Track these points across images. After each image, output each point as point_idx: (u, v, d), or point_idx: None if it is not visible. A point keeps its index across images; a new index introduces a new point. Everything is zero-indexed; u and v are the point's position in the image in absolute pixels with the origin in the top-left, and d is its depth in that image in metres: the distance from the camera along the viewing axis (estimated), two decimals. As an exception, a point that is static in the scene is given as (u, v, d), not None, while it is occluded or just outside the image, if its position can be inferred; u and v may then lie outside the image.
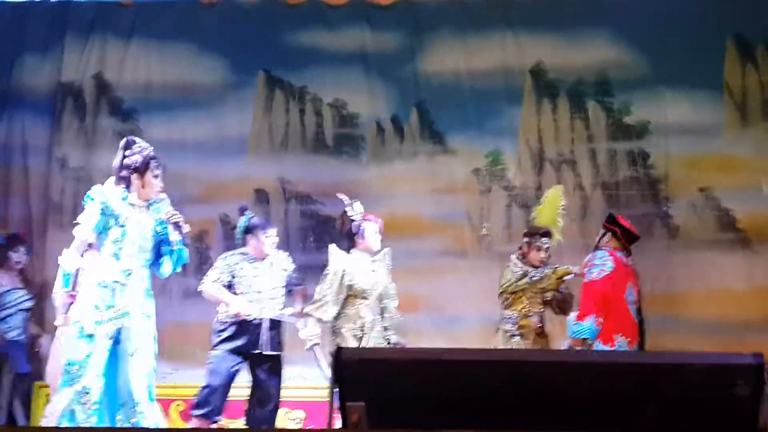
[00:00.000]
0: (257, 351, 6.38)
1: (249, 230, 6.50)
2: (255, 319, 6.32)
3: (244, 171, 8.20)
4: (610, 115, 8.03)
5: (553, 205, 6.62)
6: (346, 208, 6.53)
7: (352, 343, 6.11)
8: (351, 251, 6.39)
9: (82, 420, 4.94)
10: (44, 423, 5.25)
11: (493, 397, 3.77)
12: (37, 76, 8.35)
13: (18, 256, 7.17)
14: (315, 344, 6.26)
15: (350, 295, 6.26)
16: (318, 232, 8.13)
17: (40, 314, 7.76)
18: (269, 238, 6.50)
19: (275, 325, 6.44)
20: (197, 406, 6.30)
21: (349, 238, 6.49)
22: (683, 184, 7.83)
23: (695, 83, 7.86)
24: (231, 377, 6.34)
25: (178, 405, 7.64)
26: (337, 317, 6.24)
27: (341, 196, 6.69)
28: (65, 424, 4.90)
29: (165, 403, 7.42)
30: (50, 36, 8.41)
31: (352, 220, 6.45)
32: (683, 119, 7.89)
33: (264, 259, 6.50)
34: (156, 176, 5.35)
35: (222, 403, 6.32)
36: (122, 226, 5.21)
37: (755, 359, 3.67)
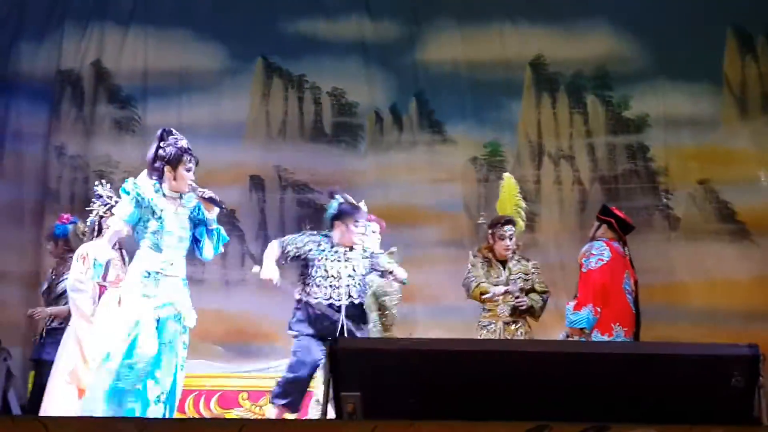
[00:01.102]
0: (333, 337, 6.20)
1: (338, 216, 6.11)
2: (333, 305, 6.15)
3: (241, 157, 8.18)
4: (609, 108, 8.02)
5: (510, 193, 6.58)
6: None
7: None
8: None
9: (115, 408, 4.92)
10: (83, 409, 5.15)
11: (488, 387, 3.77)
12: (35, 63, 8.31)
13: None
14: None
15: None
16: (314, 221, 8.09)
17: (36, 299, 7.75)
18: (359, 227, 6.14)
19: (352, 311, 6.26)
20: (278, 396, 6.00)
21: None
22: (682, 176, 7.83)
23: (694, 76, 7.86)
24: (315, 368, 5.97)
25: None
26: None
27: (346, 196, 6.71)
28: (103, 410, 4.89)
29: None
30: (49, 23, 8.37)
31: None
32: (682, 112, 7.88)
33: (350, 247, 6.13)
34: (188, 170, 5.29)
35: (303, 395, 6.03)
36: (159, 218, 5.16)
37: (751, 350, 3.66)
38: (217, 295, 7.93)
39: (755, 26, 7.90)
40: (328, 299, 6.01)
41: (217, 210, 5.32)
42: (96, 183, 6.89)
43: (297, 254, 6.08)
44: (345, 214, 6.08)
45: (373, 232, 6.43)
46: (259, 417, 7.04)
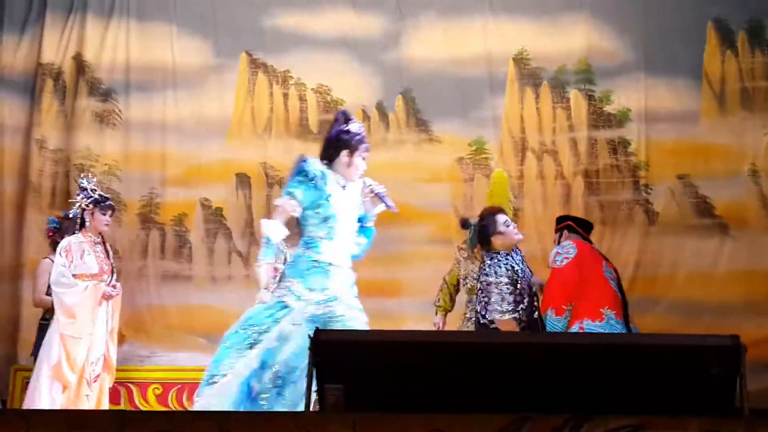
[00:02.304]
0: None
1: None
2: None
3: (226, 154, 8.16)
4: (592, 103, 8.04)
5: (502, 187, 6.69)
6: None
7: None
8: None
9: (250, 404, 4.66)
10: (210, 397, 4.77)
11: (470, 379, 3.78)
12: (16, 56, 8.26)
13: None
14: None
15: None
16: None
17: (17, 293, 7.73)
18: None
19: None
20: None
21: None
22: (662, 171, 7.85)
23: (676, 70, 7.88)
24: None
25: (155, 389, 7.62)
26: None
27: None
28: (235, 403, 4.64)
29: (143, 387, 7.41)
30: (29, 16, 8.32)
31: None
32: (663, 106, 7.92)
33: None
34: (363, 158, 5.02)
35: None
36: (329, 204, 4.90)
37: (732, 341, 3.69)
38: (204, 292, 7.94)
39: (736, 21, 7.92)
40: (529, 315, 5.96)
41: (381, 209, 5.09)
42: (81, 176, 6.89)
43: None
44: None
45: None
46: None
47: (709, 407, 3.67)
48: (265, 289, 4.93)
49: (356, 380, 3.81)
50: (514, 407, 3.74)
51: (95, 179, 6.64)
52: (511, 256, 5.89)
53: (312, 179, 4.87)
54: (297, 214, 4.90)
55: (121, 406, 6.95)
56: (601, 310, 5.77)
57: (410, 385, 3.86)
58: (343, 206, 4.93)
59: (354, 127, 5.04)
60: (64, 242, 6.35)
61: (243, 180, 8.16)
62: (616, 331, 5.71)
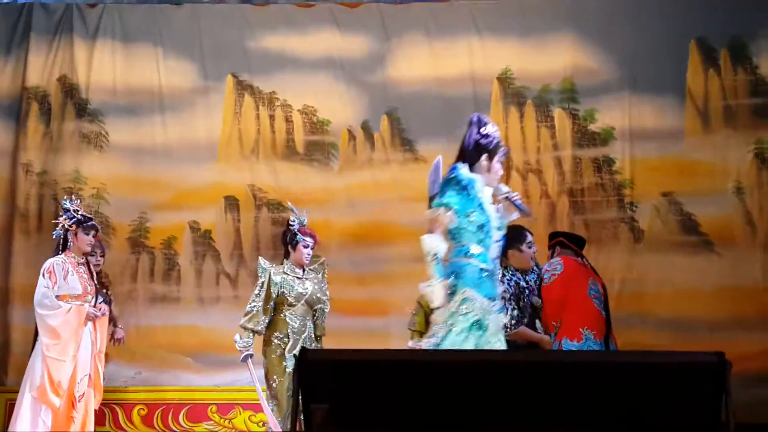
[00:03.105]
0: None
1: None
2: None
3: (215, 177, 8.16)
4: (576, 121, 8.07)
5: None
6: (291, 217, 6.69)
7: (276, 352, 6.35)
8: (284, 261, 6.59)
9: None
10: None
11: (459, 398, 3.77)
12: (0, 80, 8.27)
13: (94, 260, 6.87)
14: (248, 355, 6.37)
15: (278, 303, 6.45)
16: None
17: (6, 318, 7.69)
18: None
19: None
20: None
21: (286, 245, 6.65)
22: (647, 188, 7.88)
23: (659, 88, 7.92)
24: None
25: (140, 410, 7.59)
26: (268, 327, 6.43)
27: (290, 205, 6.84)
28: None
29: (127, 408, 7.37)
30: (13, 39, 8.33)
31: (289, 228, 6.58)
32: (647, 124, 7.96)
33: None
34: (501, 162, 4.88)
35: None
36: (483, 210, 4.77)
37: (718, 358, 3.70)
38: (192, 313, 7.93)
39: (718, 39, 7.98)
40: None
41: (515, 217, 4.89)
42: (65, 197, 6.88)
43: None
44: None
45: (305, 246, 6.56)
46: (229, 429, 7.01)
47: (695, 424, 3.68)
48: (440, 307, 4.83)
49: (342, 400, 3.80)
50: (501, 426, 3.73)
51: (79, 200, 6.63)
52: (519, 273, 5.92)
53: (464, 187, 4.75)
54: (454, 224, 4.77)
55: (107, 428, 6.90)
56: (581, 329, 5.78)
57: (397, 404, 3.85)
58: (491, 212, 4.82)
59: (491, 129, 4.88)
60: (47, 264, 6.33)
61: (231, 202, 8.16)
62: None
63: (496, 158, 4.84)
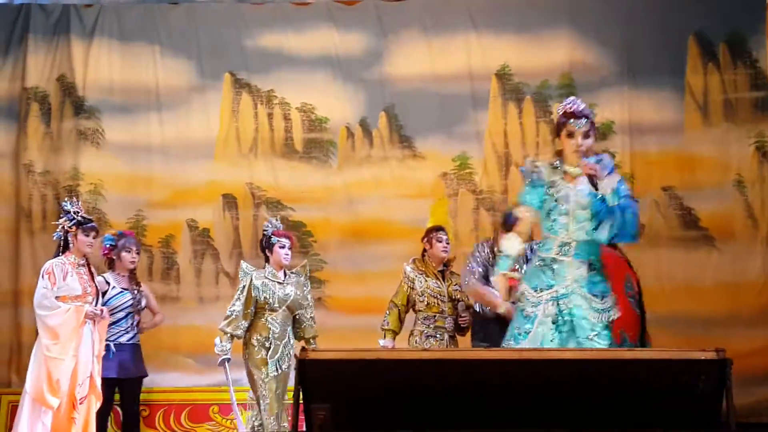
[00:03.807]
0: None
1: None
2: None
3: (213, 175, 8.15)
4: (575, 116, 8.04)
5: (442, 210, 6.92)
6: (264, 223, 6.74)
7: (260, 354, 6.37)
8: (265, 266, 6.60)
9: None
10: None
11: (459, 396, 3.77)
12: (0, 81, 8.27)
13: (131, 256, 6.89)
14: (226, 359, 6.38)
15: (259, 308, 6.47)
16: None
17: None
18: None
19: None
20: None
21: (264, 251, 6.66)
22: (647, 183, 7.85)
23: (658, 83, 7.89)
24: None
25: (142, 411, 7.58)
26: (248, 329, 6.45)
27: (272, 220, 6.83)
28: None
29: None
30: (12, 40, 8.33)
31: (264, 234, 6.62)
32: (647, 118, 7.93)
33: None
34: (570, 134, 4.80)
35: None
36: (556, 199, 4.76)
37: (718, 355, 3.70)
38: (192, 312, 7.93)
39: (716, 34, 7.94)
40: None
41: (606, 178, 4.75)
42: (65, 199, 6.89)
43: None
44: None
45: (282, 248, 6.57)
46: (231, 430, 6.99)
47: (696, 421, 3.68)
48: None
49: (343, 399, 3.81)
50: (502, 423, 3.73)
51: (79, 202, 6.63)
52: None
53: (530, 179, 4.84)
54: (535, 219, 4.85)
55: (109, 430, 6.89)
56: (618, 330, 5.77)
57: (397, 403, 3.85)
58: (566, 196, 4.78)
59: (566, 106, 4.91)
60: (47, 265, 6.33)
61: (229, 200, 8.15)
62: None
63: (564, 132, 4.83)
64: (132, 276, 6.95)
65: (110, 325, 6.55)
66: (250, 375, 6.41)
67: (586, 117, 4.87)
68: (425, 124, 8.11)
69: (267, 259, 6.61)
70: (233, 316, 6.41)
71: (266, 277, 6.51)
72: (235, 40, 8.31)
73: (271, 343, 6.40)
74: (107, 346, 6.46)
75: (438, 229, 6.54)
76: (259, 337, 6.42)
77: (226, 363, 6.36)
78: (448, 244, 6.51)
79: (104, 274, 6.75)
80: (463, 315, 6.39)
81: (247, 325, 6.42)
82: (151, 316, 7.06)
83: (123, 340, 6.75)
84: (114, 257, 6.88)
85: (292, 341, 6.54)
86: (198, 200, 8.10)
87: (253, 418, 6.33)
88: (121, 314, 6.77)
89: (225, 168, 8.17)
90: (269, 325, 6.43)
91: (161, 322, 7.13)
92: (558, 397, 3.83)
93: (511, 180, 8.04)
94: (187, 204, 8.11)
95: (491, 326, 6.00)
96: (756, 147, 7.75)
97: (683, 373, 3.76)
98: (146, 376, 6.95)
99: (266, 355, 6.37)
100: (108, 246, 6.83)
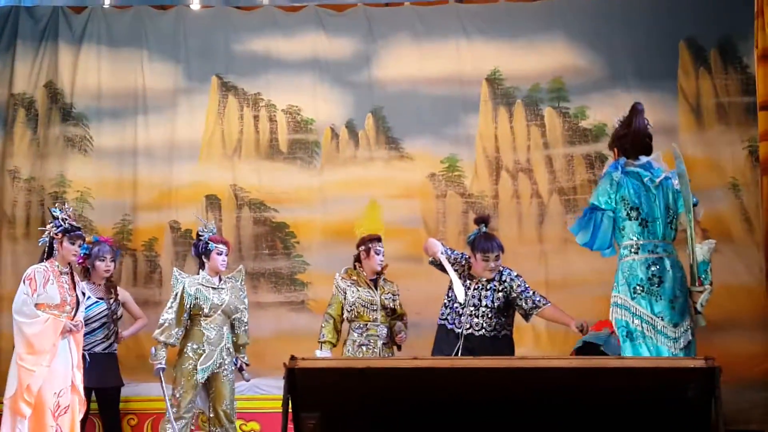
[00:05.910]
0: None
1: (472, 246, 6.22)
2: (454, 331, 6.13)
3: (196, 177, 8.12)
4: (567, 119, 8.02)
5: (375, 215, 6.87)
6: (199, 227, 6.71)
7: (193, 360, 6.38)
8: (200, 271, 6.61)
9: None
10: None
11: (450, 405, 3.74)
12: (-15, 86, 8.26)
13: (104, 264, 6.89)
14: (161, 368, 6.38)
15: (193, 314, 6.47)
16: (271, 240, 8.06)
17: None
18: (488, 261, 6.15)
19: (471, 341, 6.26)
20: None
21: (200, 257, 6.66)
22: (641, 185, 7.83)
23: (650, 86, 7.84)
24: None
25: (130, 419, 7.55)
26: (183, 337, 6.45)
27: (198, 216, 6.97)
28: None
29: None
30: (0, 45, 8.30)
31: (200, 239, 6.61)
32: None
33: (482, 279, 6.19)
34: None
35: None
36: (629, 199, 5.09)
37: (707, 363, 3.67)
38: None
39: (707, 40, 7.92)
40: (451, 324, 6.11)
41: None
42: (54, 204, 6.85)
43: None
44: (476, 247, 6.13)
45: (219, 253, 6.59)
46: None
47: (685, 430, 3.66)
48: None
49: (333, 408, 3.78)
50: (491, 431, 3.71)
51: (70, 209, 6.57)
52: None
53: (611, 186, 5.07)
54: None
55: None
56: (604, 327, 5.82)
57: (387, 412, 3.82)
58: (646, 199, 5.11)
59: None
60: (29, 270, 6.26)
61: (212, 202, 8.11)
62: (612, 346, 5.72)
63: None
64: (108, 284, 6.91)
65: (85, 334, 6.50)
66: (173, 381, 6.41)
67: None
68: (414, 127, 8.09)
69: (202, 265, 6.61)
70: (166, 324, 6.40)
71: (200, 283, 6.51)
72: (223, 44, 8.29)
73: (205, 350, 6.40)
74: (83, 356, 6.41)
75: (376, 239, 6.54)
76: (193, 346, 6.43)
77: (161, 372, 6.36)
78: (383, 255, 6.53)
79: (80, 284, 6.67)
80: (399, 333, 6.40)
81: (181, 333, 6.42)
82: (133, 321, 7.01)
83: (98, 349, 6.73)
84: (89, 266, 6.84)
85: (230, 347, 6.54)
86: (181, 202, 8.06)
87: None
88: (96, 324, 6.74)
89: (209, 170, 8.15)
90: (204, 331, 6.43)
91: (144, 327, 7.10)
92: (547, 405, 3.81)
93: (501, 185, 8.01)
94: (171, 206, 8.09)
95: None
96: (749, 151, 7.72)
97: (672, 380, 3.74)
98: (123, 385, 6.91)
99: (195, 365, 6.36)
100: (83, 254, 6.73)
